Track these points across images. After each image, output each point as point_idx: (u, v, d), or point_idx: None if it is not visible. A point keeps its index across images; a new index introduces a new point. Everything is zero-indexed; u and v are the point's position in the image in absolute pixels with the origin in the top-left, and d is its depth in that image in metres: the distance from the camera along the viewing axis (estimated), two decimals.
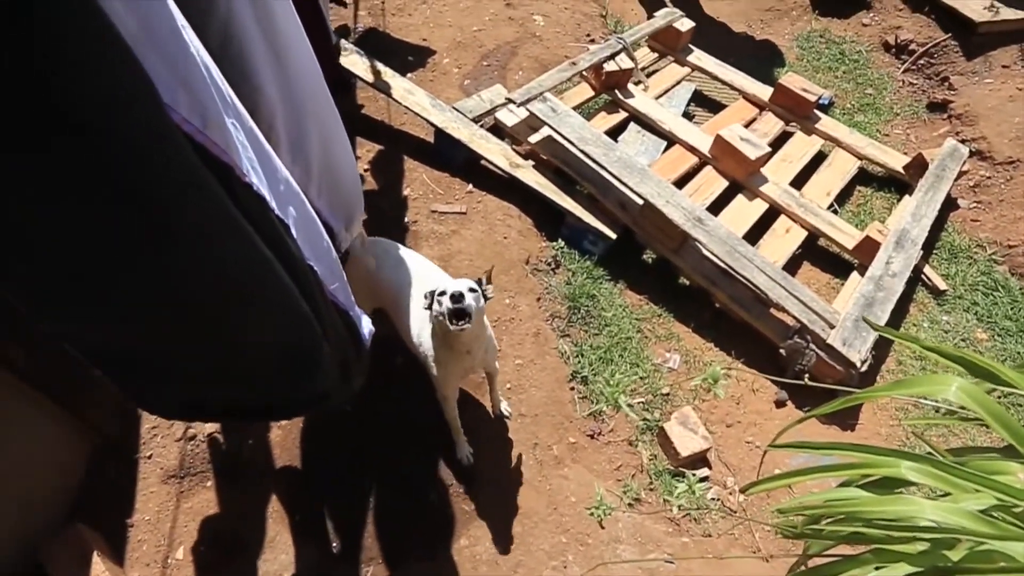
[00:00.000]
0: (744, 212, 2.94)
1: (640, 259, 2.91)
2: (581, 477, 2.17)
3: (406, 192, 2.87)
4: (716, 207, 2.91)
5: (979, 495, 0.76)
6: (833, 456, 0.92)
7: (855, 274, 2.83)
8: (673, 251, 2.77)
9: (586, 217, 2.78)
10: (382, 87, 2.99)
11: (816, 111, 3.42)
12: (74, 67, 0.64)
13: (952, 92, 3.69)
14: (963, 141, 3.42)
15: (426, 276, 1.93)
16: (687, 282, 2.84)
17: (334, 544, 1.96)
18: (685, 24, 3.62)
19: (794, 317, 2.47)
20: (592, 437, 2.30)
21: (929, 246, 3.06)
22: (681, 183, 2.97)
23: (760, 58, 4.02)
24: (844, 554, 0.84)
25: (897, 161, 3.28)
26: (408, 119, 3.14)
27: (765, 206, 2.98)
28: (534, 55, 3.62)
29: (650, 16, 3.82)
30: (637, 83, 3.47)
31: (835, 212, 3.15)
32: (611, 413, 2.36)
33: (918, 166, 3.17)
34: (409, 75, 3.28)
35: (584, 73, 3.25)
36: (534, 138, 3.00)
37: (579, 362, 2.46)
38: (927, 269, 3.01)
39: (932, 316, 2.88)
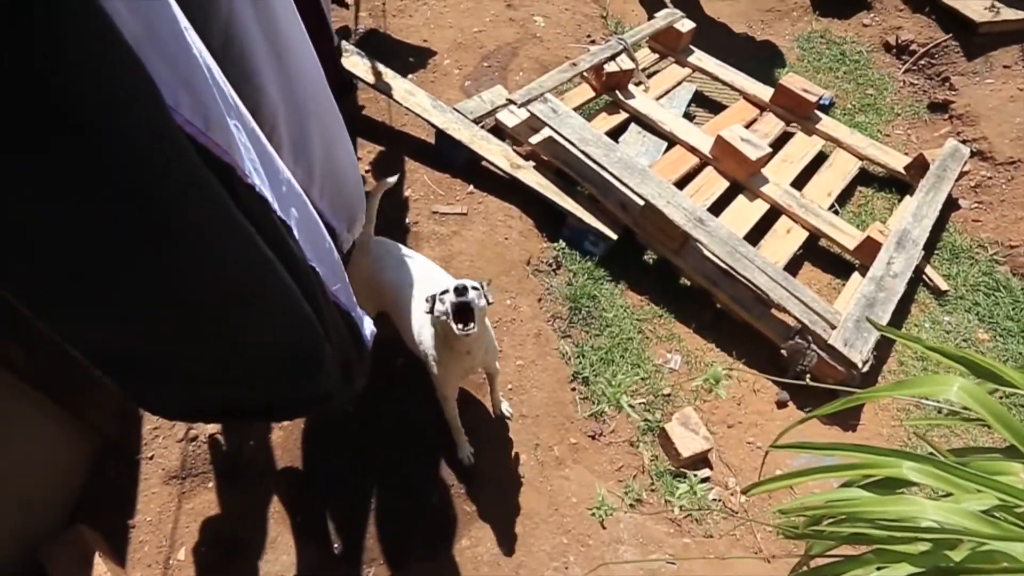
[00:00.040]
0: (745, 213, 2.94)
1: (641, 260, 2.91)
2: (582, 478, 2.17)
3: (407, 193, 2.88)
4: (717, 208, 2.91)
5: (981, 495, 0.76)
6: (835, 457, 0.92)
7: (856, 275, 2.83)
8: (674, 252, 2.77)
9: (587, 218, 2.78)
10: (383, 88, 2.99)
11: (817, 112, 3.42)
12: (74, 67, 0.64)
13: (953, 92, 3.69)
14: (964, 141, 3.42)
15: (427, 277, 1.93)
16: (688, 283, 2.84)
17: (335, 545, 1.96)
18: (686, 25, 3.62)
19: (795, 318, 2.47)
20: (593, 438, 2.30)
21: (930, 246, 3.06)
22: (682, 184, 2.97)
23: (761, 59, 4.03)
24: (846, 554, 0.84)
25: (898, 161, 3.28)
26: (409, 120, 3.14)
27: (766, 207, 2.98)
28: (535, 56, 3.62)
29: (651, 17, 3.83)
30: (638, 84, 3.48)
31: (836, 213, 3.15)
32: (612, 414, 2.36)
33: (919, 166, 3.16)
34: (410, 76, 3.29)
35: (585, 74, 3.26)
36: (535, 139, 3.00)
37: (580, 363, 2.46)
38: (928, 269, 3.01)
39: (934, 316, 2.88)
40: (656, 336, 2.64)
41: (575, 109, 3.08)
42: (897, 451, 0.83)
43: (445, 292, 1.58)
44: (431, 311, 1.64)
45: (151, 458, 2.03)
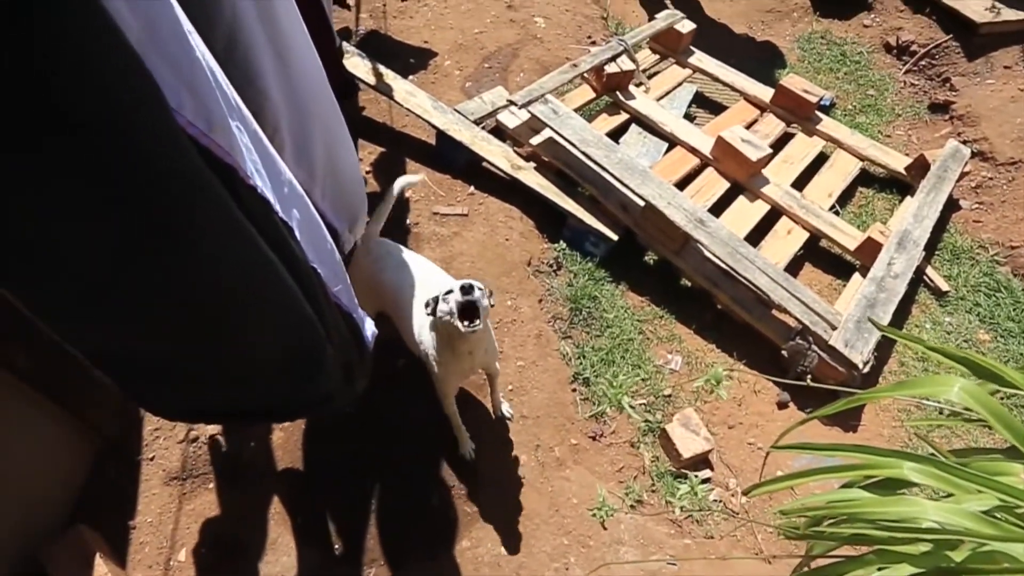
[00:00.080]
0: (745, 213, 2.94)
1: (642, 261, 2.92)
2: (583, 479, 2.17)
3: (408, 194, 2.88)
4: (717, 209, 2.91)
5: (982, 496, 0.76)
6: (835, 457, 0.92)
7: (857, 275, 2.83)
8: (675, 252, 2.77)
9: (588, 219, 2.79)
10: (384, 89, 3.00)
11: (817, 112, 3.42)
12: (75, 67, 0.64)
13: (953, 93, 3.69)
14: (965, 142, 3.42)
15: (427, 277, 1.93)
16: (689, 283, 2.84)
17: (336, 546, 1.96)
18: (686, 26, 3.63)
19: (796, 318, 2.47)
20: (594, 439, 2.30)
21: (931, 247, 3.06)
22: (682, 185, 2.97)
23: (761, 60, 4.03)
24: (847, 555, 0.84)
25: (899, 162, 3.28)
26: (410, 121, 3.15)
27: (767, 207, 2.98)
28: (535, 57, 3.63)
29: (651, 18, 3.83)
30: (638, 85, 3.48)
31: (837, 213, 3.15)
32: (613, 415, 2.36)
33: (920, 167, 3.17)
34: (411, 77, 3.29)
35: (585, 75, 3.26)
36: (535, 140, 3.01)
37: (581, 364, 2.46)
38: (929, 270, 3.01)
39: (934, 317, 2.88)
40: (657, 337, 2.64)
41: (576, 110, 3.08)
42: (898, 452, 0.83)
43: (449, 292, 1.58)
44: (433, 312, 1.64)
45: (152, 459, 2.03)
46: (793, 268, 2.90)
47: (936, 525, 0.74)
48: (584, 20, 3.97)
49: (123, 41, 0.67)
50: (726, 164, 3.03)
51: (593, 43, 3.82)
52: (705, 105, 3.74)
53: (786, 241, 2.88)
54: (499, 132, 3.12)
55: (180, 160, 0.80)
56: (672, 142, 3.21)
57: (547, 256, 2.78)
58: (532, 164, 2.96)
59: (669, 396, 2.44)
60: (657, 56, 3.75)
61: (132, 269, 0.87)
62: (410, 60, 3.48)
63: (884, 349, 2.67)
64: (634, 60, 3.33)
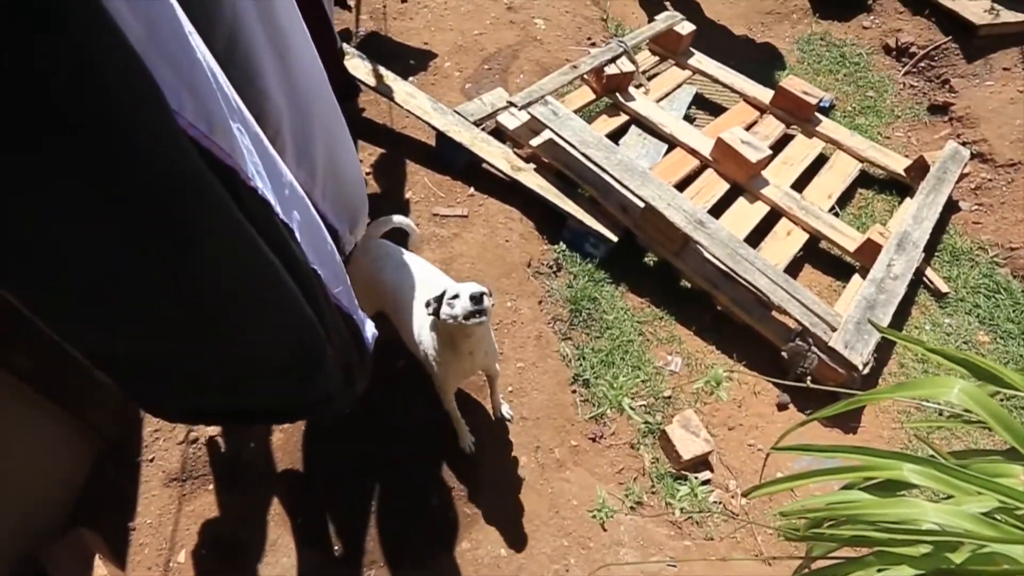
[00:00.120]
0: (745, 215, 2.94)
1: (641, 262, 2.92)
2: (583, 480, 2.17)
3: (408, 195, 2.88)
4: (717, 210, 2.91)
5: (981, 498, 0.76)
6: (835, 459, 0.92)
7: (856, 277, 2.83)
8: (674, 254, 2.77)
9: (587, 220, 2.79)
10: (384, 91, 3.00)
11: (817, 114, 3.43)
12: (75, 67, 0.64)
13: (953, 95, 3.70)
14: (964, 143, 3.43)
15: (427, 278, 1.93)
16: (688, 285, 2.84)
17: (335, 547, 1.95)
18: (686, 27, 3.63)
19: (796, 320, 2.47)
20: (594, 440, 2.30)
21: (931, 248, 3.06)
22: (682, 186, 2.97)
23: (761, 61, 4.03)
24: (847, 557, 0.84)
25: (898, 163, 3.29)
26: (410, 122, 3.15)
27: (766, 209, 2.99)
28: (535, 58, 3.63)
29: (651, 19, 3.84)
30: (638, 86, 3.48)
31: (836, 215, 3.15)
32: (613, 416, 2.36)
33: (919, 168, 3.17)
34: (411, 79, 3.29)
35: (585, 76, 3.26)
36: (535, 141, 3.01)
37: (581, 365, 2.46)
38: (929, 271, 3.01)
39: (934, 319, 2.88)
40: (657, 338, 2.64)
41: (576, 111, 3.08)
42: (898, 453, 0.83)
43: (455, 297, 1.57)
44: (435, 313, 1.63)
45: (151, 460, 2.03)
46: (793, 269, 2.91)
47: (936, 527, 0.74)
48: (584, 22, 3.97)
49: (123, 41, 0.67)
50: (726, 165, 3.03)
51: (593, 44, 3.83)
52: (705, 107, 3.75)
53: (786, 242, 2.89)
54: (499, 133, 3.12)
55: (180, 160, 0.80)
56: (672, 143, 3.22)
57: (547, 257, 2.78)
58: (532, 165, 2.96)
59: (669, 397, 2.44)
60: (657, 58, 3.76)
61: (132, 269, 0.87)
62: (410, 61, 3.49)
63: (884, 350, 2.67)
64: (634, 62, 3.34)
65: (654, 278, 2.86)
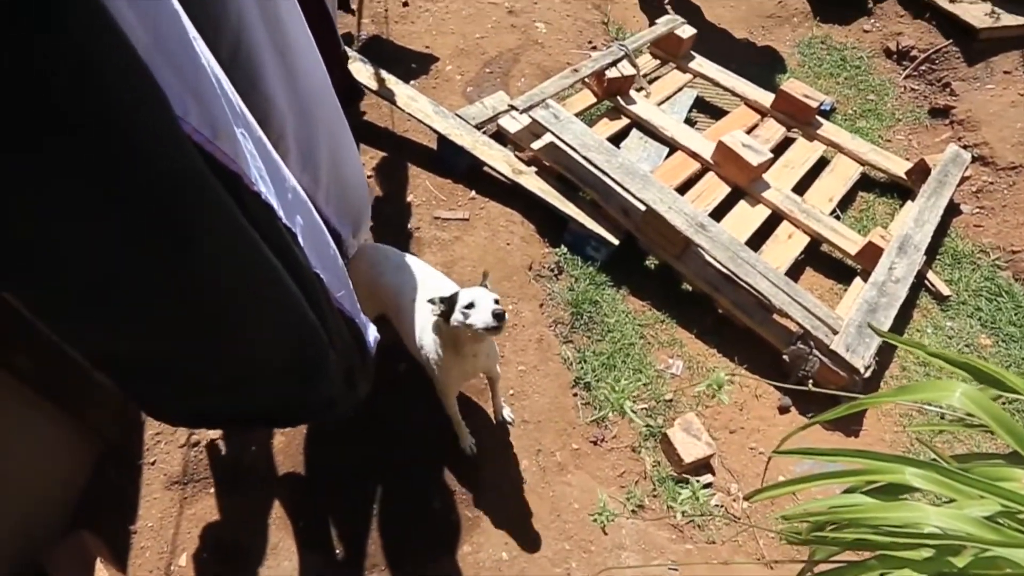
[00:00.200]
0: (746, 218, 2.94)
1: (643, 265, 2.92)
2: (584, 483, 2.17)
3: (409, 198, 2.89)
4: (718, 213, 2.91)
5: (984, 502, 0.76)
6: (837, 462, 0.92)
7: (858, 280, 2.83)
8: (676, 257, 2.77)
9: (589, 223, 2.79)
10: (386, 94, 3.01)
11: (818, 117, 3.43)
12: (75, 67, 0.64)
13: (954, 98, 3.70)
14: (965, 147, 3.43)
15: (426, 281, 1.94)
16: (690, 288, 2.84)
17: (337, 550, 1.95)
18: (687, 31, 3.64)
19: (797, 323, 2.47)
20: (595, 443, 2.29)
21: (932, 251, 3.06)
22: (683, 189, 2.98)
23: (762, 64, 4.04)
24: (849, 561, 0.84)
25: (899, 167, 3.29)
26: (411, 126, 3.16)
27: (767, 212, 2.99)
28: (536, 62, 3.64)
29: (652, 23, 3.85)
30: (639, 89, 3.49)
31: (837, 218, 3.15)
32: (614, 419, 2.36)
33: (920, 172, 3.17)
34: (412, 82, 3.31)
35: (586, 80, 3.27)
36: (537, 144, 3.02)
37: (582, 368, 2.46)
38: (930, 274, 3.01)
39: (936, 322, 2.88)
40: (658, 341, 2.64)
41: (577, 115, 3.09)
42: (900, 457, 0.83)
43: (470, 307, 1.55)
44: (443, 315, 1.62)
45: (153, 463, 2.03)
46: (794, 272, 2.91)
47: (938, 530, 0.73)
48: (585, 25, 3.98)
49: (124, 41, 0.68)
50: (727, 169, 3.03)
51: (594, 48, 3.84)
52: (706, 110, 3.75)
53: (787, 245, 2.89)
54: (500, 137, 3.13)
55: (181, 160, 0.80)
56: (673, 147, 3.22)
57: (548, 260, 2.78)
58: (533, 168, 2.97)
59: (670, 401, 2.44)
60: (658, 61, 3.77)
61: (133, 269, 0.87)
62: (412, 65, 3.50)
63: (885, 353, 2.67)
64: (635, 65, 3.34)
65: (655, 281, 2.87)
